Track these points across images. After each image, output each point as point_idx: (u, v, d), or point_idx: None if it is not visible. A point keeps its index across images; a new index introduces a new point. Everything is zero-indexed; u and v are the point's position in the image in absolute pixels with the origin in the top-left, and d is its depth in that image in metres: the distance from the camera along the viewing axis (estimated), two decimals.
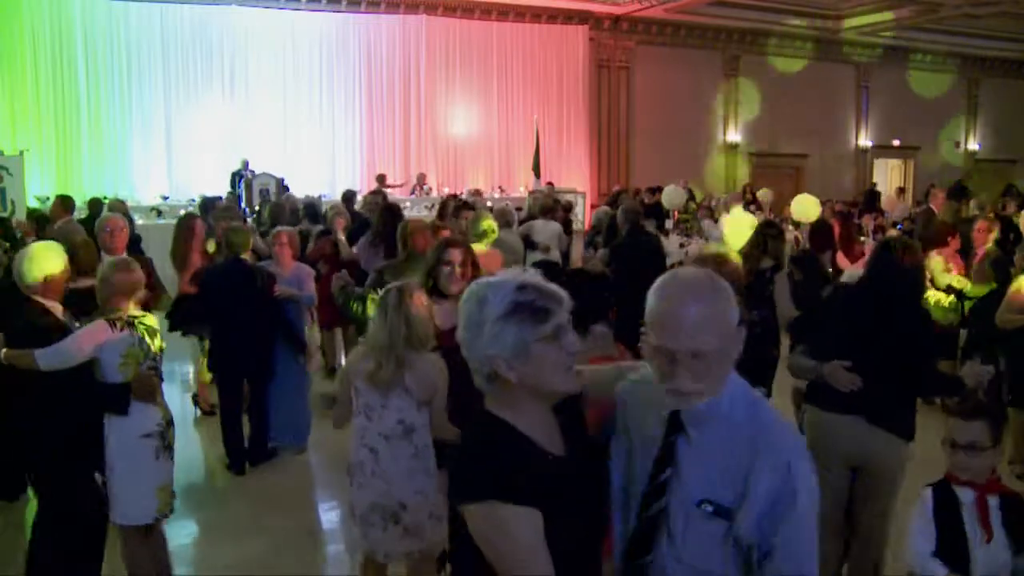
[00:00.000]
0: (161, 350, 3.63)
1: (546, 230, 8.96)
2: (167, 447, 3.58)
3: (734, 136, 19.90)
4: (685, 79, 18.88)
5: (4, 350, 3.53)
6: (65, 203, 8.85)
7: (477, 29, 17.07)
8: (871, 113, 21.91)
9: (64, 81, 14.05)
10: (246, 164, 13.89)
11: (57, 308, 3.62)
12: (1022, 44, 21.52)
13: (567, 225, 11.36)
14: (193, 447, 6.16)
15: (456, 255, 3.69)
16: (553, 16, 17.59)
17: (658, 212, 12.83)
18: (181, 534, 4.61)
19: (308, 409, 5.99)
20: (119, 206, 10.09)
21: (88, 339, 3.39)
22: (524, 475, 1.59)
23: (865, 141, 21.97)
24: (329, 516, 5.19)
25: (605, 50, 18.32)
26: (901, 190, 19.06)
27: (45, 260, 3.57)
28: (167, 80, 14.73)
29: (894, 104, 21.60)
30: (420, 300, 3.19)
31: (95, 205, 10.26)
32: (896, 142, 22.19)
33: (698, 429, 1.64)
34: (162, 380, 3.60)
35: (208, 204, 9.78)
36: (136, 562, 3.56)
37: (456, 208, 7.74)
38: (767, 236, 5.63)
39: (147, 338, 3.51)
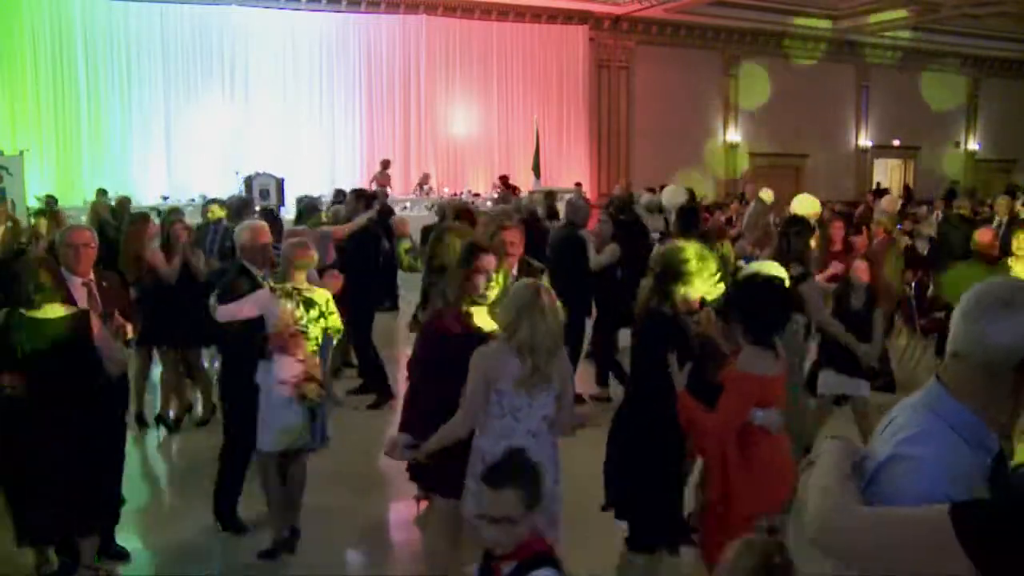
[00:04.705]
0: (336, 327, 4.32)
1: None
2: (301, 397, 4.04)
3: (734, 136, 19.91)
4: (685, 79, 18.89)
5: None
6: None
7: (477, 29, 17.09)
8: (871, 113, 21.94)
9: (64, 81, 14.07)
10: (257, 174, 13.90)
11: (257, 272, 4.31)
12: (1022, 44, 21.54)
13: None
14: (201, 446, 6.19)
15: (490, 262, 3.78)
16: (553, 16, 17.60)
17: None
18: (193, 530, 4.63)
19: (324, 412, 5.88)
20: (101, 207, 9.68)
21: (250, 303, 4.08)
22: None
23: (865, 141, 22.00)
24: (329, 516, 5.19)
25: (605, 50, 18.33)
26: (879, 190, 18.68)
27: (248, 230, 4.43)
28: (167, 80, 14.76)
29: (894, 104, 21.62)
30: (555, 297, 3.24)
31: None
32: (896, 142, 22.21)
33: None
34: (305, 339, 4.11)
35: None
36: (266, 480, 4.24)
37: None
38: (789, 235, 5.02)
39: (302, 308, 4.09)
